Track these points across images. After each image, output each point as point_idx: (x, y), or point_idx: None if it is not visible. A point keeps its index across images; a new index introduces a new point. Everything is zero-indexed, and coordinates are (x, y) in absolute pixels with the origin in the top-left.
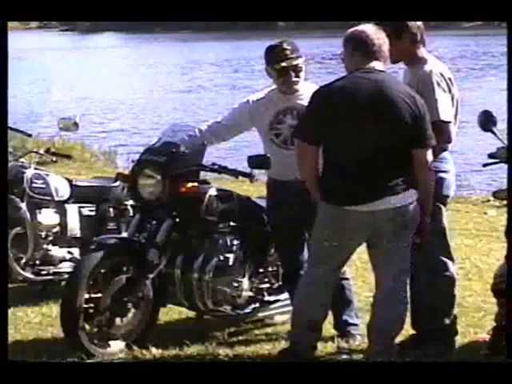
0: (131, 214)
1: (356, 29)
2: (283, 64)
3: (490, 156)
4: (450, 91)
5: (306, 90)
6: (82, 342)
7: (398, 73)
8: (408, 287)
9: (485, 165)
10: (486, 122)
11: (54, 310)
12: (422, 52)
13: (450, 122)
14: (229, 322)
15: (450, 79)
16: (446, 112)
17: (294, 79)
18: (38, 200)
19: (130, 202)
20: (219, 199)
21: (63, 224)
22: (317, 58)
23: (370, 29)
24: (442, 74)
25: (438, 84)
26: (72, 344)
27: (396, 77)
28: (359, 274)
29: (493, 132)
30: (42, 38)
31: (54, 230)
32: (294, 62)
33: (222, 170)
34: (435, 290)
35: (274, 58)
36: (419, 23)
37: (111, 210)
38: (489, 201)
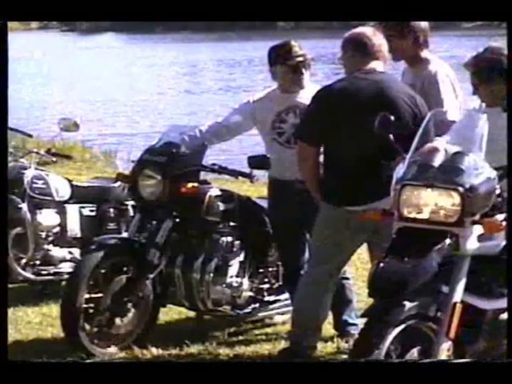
0: (131, 214)
1: (355, 31)
2: (299, 59)
3: None
4: (454, 91)
5: (306, 89)
6: (82, 342)
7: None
8: None
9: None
10: (384, 126)
11: (53, 310)
12: (424, 53)
13: (455, 122)
14: (229, 321)
15: (454, 79)
16: (451, 111)
17: (304, 75)
18: (39, 200)
19: (130, 202)
20: (219, 199)
21: (63, 224)
22: (333, 59)
23: (369, 30)
24: (446, 75)
25: (444, 83)
26: (72, 344)
27: (397, 77)
28: (359, 274)
29: (388, 139)
30: (42, 38)
31: (55, 230)
32: (307, 57)
33: (222, 170)
34: None
35: (285, 54)
36: (423, 24)
37: (111, 210)
38: None
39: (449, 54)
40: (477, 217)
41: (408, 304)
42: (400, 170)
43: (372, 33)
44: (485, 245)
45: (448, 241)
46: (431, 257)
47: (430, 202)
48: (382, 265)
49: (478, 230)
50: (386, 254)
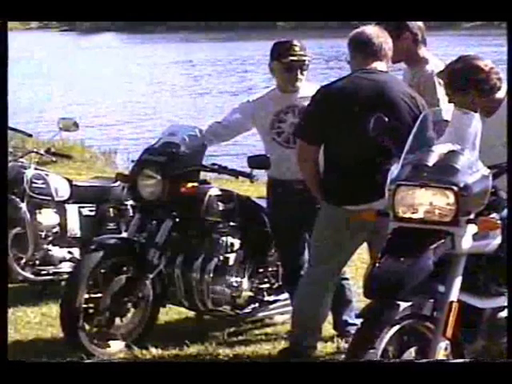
0: (131, 214)
1: (357, 30)
2: (293, 58)
3: None
4: None
5: (306, 89)
6: (81, 342)
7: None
8: None
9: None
10: (378, 128)
11: (53, 310)
12: (422, 52)
13: (449, 121)
14: (228, 321)
15: None
16: (447, 111)
17: (299, 76)
18: (38, 200)
19: (130, 202)
20: (219, 199)
21: (63, 224)
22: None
23: (369, 29)
24: None
25: (440, 83)
26: (72, 344)
27: (398, 78)
28: (359, 274)
29: (383, 140)
30: (41, 38)
31: (54, 230)
32: (303, 58)
33: (221, 170)
34: None
35: (284, 52)
36: (420, 23)
37: (111, 210)
38: None
39: (449, 54)
40: (472, 216)
41: (404, 304)
42: (394, 171)
43: (373, 32)
44: (480, 243)
45: (443, 240)
46: (427, 256)
47: (425, 202)
48: (377, 265)
49: (473, 228)
50: (381, 254)
